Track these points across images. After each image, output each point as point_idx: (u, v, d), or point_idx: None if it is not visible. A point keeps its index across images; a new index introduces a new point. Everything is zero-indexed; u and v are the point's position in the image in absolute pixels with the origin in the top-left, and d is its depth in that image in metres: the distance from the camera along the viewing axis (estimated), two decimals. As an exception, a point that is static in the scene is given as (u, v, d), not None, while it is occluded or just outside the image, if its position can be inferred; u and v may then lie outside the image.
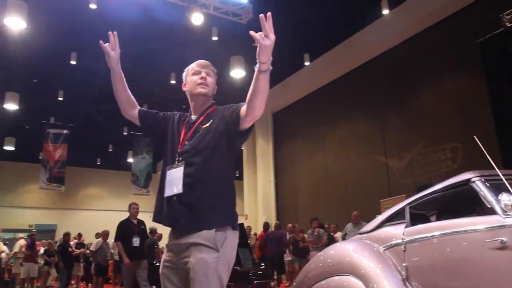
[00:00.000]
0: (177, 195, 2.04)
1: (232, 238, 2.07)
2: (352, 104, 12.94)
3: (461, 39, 9.68)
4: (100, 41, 2.29)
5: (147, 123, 2.34)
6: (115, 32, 2.22)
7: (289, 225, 11.22)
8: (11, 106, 14.00)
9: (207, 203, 2.02)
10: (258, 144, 16.21)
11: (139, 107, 2.38)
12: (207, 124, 2.17)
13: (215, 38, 11.07)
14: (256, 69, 1.91)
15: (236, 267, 8.14)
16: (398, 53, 11.51)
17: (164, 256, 2.13)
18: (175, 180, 2.07)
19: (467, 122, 9.68)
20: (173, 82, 13.34)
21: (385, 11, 10.85)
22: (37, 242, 12.16)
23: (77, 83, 13.96)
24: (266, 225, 11.87)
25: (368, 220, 9.07)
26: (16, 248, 12.12)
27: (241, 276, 7.81)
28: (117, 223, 6.82)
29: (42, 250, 12.28)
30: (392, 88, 11.62)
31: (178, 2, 10.09)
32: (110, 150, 20.36)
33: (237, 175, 24.95)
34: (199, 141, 2.12)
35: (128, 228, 6.68)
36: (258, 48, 1.85)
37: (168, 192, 2.08)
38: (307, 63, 13.63)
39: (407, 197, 8.68)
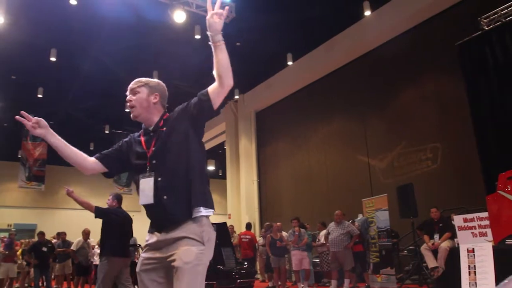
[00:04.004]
0: (153, 203, 2.10)
1: (213, 237, 2.13)
2: (335, 104, 13.05)
3: (441, 41, 9.85)
4: (19, 118, 2.24)
5: (115, 160, 2.33)
6: (22, 112, 2.21)
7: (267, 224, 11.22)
8: (-12, 103, 13.73)
9: (185, 199, 2.08)
10: (241, 143, 16.21)
11: (92, 157, 2.33)
12: (168, 125, 2.23)
13: (198, 37, 11.02)
14: (212, 44, 2.14)
15: (219, 266, 8.13)
16: (379, 54, 11.64)
17: (143, 255, 2.14)
18: (147, 190, 2.12)
19: (447, 122, 9.86)
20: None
21: (367, 13, 10.97)
22: (16, 242, 11.94)
23: (57, 80, 13.75)
24: (248, 225, 11.90)
25: (350, 219, 9.21)
26: None
27: (224, 275, 7.80)
28: (98, 223, 6.61)
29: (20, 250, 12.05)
30: (374, 89, 11.75)
31: (160, 0, 10.02)
32: (92, 149, 20.08)
33: (220, 174, 24.93)
34: (165, 142, 2.17)
35: None
36: (212, 22, 2.14)
37: (142, 201, 2.14)
38: (290, 63, 13.69)
39: (389, 197, 8.85)
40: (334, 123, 13.25)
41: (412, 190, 8.26)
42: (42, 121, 2.22)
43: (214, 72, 2.15)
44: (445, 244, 7.09)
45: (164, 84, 2.41)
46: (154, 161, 2.16)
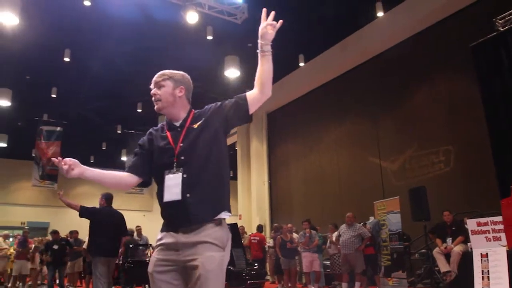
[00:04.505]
0: (180, 199, 2.02)
1: (230, 240, 2.10)
2: (346, 106, 12.98)
3: (454, 42, 9.75)
4: (56, 161, 2.11)
5: (144, 165, 2.24)
6: (58, 158, 2.09)
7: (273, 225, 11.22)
8: (3, 102, 13.91)
9: (212, 199, 2.05)
10: (252, 144, 16.21)
11: (125, 172, 2.26)
12: (199, 122, 2.16)
13: (209, 38, 11.05)
14: (259, 52, 2.19)
15: (229, 267, 8.19)
16: (392, 55, 11.55)
17: (157, 256, 2.06)
18: (173, 186, 2.04)
19: (460, 124, 9.75)
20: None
21: (380, 13, 10.89)
22: (29, 240, 12.07)
23: (70, 80, 13.88)
24: (259, 227, 11.88)
25: (362, 221, 9.15)
26: None
27: (234, 276, 7.81)
28: (123, 216, 6.55)
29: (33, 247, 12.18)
30: (386, 90, 11.67)
31: (173, 1, 10.06)
32: (104, 148, 20.27)
33: (231, 175, 24.96)
34: (195, 139, 2.11)
35: None
36: (264, 32, 2.20)
37: (166, 197, 2.05)
38: (301, 64, 13.65)
39: (401, 199, 8.77)
40: (346, 125, 13.18)
41: (425, 192, 8.19)
42: (75, 161, 2.09)
43: (256, 80, 2.18)
44: (458, 248, 7.00)
45: (189, 77, 2.33)
46: (182, 158, 2.08)
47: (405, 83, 11.20)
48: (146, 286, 9.03)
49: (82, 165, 2.10)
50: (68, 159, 2.07)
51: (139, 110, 15.65)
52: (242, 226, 12.56)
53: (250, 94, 2.18)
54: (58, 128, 16.82)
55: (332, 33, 12.05)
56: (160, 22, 10.71)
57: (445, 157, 10.02)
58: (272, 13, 2.23)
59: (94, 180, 2.18)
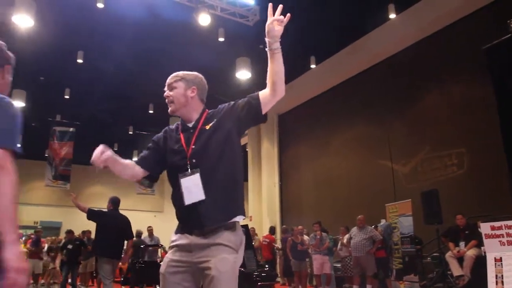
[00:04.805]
0: (200, 201, 2.02)
1: (243, 243, 2.09)
2: (358, 108, 12.91)
3: (467, 44, 9.65)
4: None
5: (155, 162, 2.25)
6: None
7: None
8: (18, 103, 14.07)
9: (226, 201, 2.04)
10: (263, 146, 16.21)
11: (135, 163, 2.27)
12: (211, 123, 2.14)
13: (221, 39, 11.08)
14: (268, 50, 2.07)
15: (240, 268, 8.20)
16: (404, 57, 11.48)
17: (172, 257, 2.07)
18: (193, 187, 2.03)
19: (473, 127, 9.63)
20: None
21: (392, 16, 10.82)
22: (42, 239, 12.21)
23: (83, 81, 14.02)
24: (271, 229, 11.87)
25: (373, 224, 9.09)
26: None
27: (245, 277, 7.80)
28: (128, 220, 6.68)
29: (46, 247, 12.32)
30: (398, 92, 11.59)
31: (185, 3, 10.11)
32: (116, 149, 20.35)
33: (242, 176, 24.97)
34: (207, 141, 2.10)
35: None
36: (271, 29, 2.06)
37: (188, 200, 2.03)
38: (313, 66, 13.62)
39: (413, 202, 8.68)
40: (357, 127, 13.11)
41: (437, 195, 8.09)
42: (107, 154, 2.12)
43: (268, 79, 2.10)
44: (471, 252, 6.92)
45: (202, 77, 2.30)
46: (194, 160, 2.06)
47: (416, 85, 11.12)
48: (157, 286, 9.06)
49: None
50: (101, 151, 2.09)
51: (151, 112, 15.75)
52: (252, 227, 12.57)
53: (263, 94, 2.13)
54: (71, 129, 17.00)
55: (344, 35, 12.01)
56: (172, 24, 10.76)
57: (458, 160, 9.92)
58: (280, 7, 2.09)
59: (109, 162, 2.13)
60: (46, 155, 18.01)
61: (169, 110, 2.22)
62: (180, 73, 2.27)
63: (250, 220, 15.37)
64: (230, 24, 10.96)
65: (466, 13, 9.95)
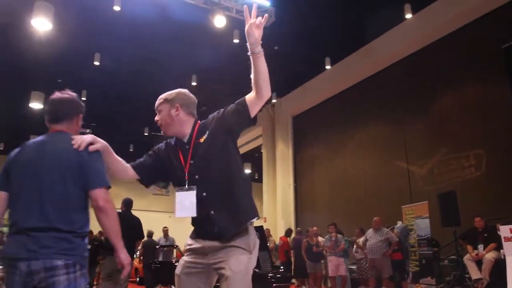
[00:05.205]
0: (200, 216, 2.10)
1: (258, 242, 2.14)
2: (373, 109, 12.81)
3: (485, 44, 9.52)
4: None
5: (150, 169, 2.33)
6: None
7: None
8: (36, 105, 14.31)
9: (233, 212, 2.07)
10: (278, 147, 16.20)
11: (128, 165, 2.35)
12: (205, 136, 2.18)
13: (236, 41, 11.10)
14: (251, 55, 2.07)
15: (255, 270, 8.20)
16: (420, 57, 11.35)
17: (187, 259, 2.14)
18: (187, 203, 2.11)
19: (491, 128, 9.49)
20: (194, 83, 13.43)
21: (408, 16, 10.72)
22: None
23: (100, 83, 14.19)
24: (288, 231, 11.84)
25: (388, 226, 9.00)
26: None
27: (260, 278, 7.78)
28: (140, 221, 6.80)
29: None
30: (414, 93, 11.47)
31: (201, 5, 10.15)
32: (131, 150, 20.62)
33: (256, 177, 24.98)
34: (204, 155, 2.14)
35: None
36: (249, 33, 2.06)
37: (179, 214, 2.14)
38: (328, 67, 13.56)
39: (430, 204, 8.57)
40: (372, 128, 13.01)
41: (455, 197, 7.98)
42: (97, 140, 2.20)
43: (253, 83, 2.11)
44: (490, 255, 6.80)
45: (185, 91, 2.36)
46: (196, 176, 2.12)
47: (433, 86, 11.00)
48: (172, 286, 9.12)
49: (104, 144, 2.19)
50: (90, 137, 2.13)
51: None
52: (267, 229, 12.56)
53: (249, 98, 2.14)
54: (88, 130, 17.14)
55: (359, 36, 11.92)
56: (187, 26, 10.83)
57: (475, 161, 9.77)
58: (254, 9, 2.09)
59: (105, 159, 2.19)
60: (64, 156, 18.25)
61: (162, 133, 2.30)
62: (163, 95, 2.34)
63: (264, 221, 15.37)
64: (245, 25, 10.96)
65: (483, 13, 9.81)
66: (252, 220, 2.12)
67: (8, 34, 11.22)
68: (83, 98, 15.09)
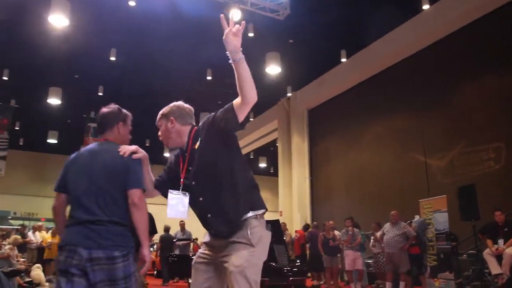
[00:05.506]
0: (207, 217, 2.24)
1: (266, 237, 2.22)
2: (390, 101, 12.65)
3: (504, 36, 9.29)
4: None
5: (167, 183, 2.49)
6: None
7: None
8: (54, 101, 14.51)
9: (229, 213, 2.18)
10: (294, 141, 16.14)
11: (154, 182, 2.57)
12: (198, 142, 2.30)
13: (251, 35, 11.06)
14: (232, 63, 2.11)
15: (271, 263, 8.19)
16: (438, 49, 11.15)
17: (201, 250, 2.34)
18: (180, 206, 2.30)
19: (511, 121, 9.29)
20: (209, 78, 13.44)
21: (426, 6, 10.52)
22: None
23: (116, 78, 14.31)
24: (305, 226, 11.83)
25: (406, 220, 8.91)
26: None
27: (276, 272, 7.79)
28: (152, 216, 6.86)
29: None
30: (432, 85, 11.28)
31: (215, -1, 10.15)
32: (148, 145, 20.77)
33: (272, 171, 24.96)
34: (198, 161, 2.27)
35: None
36: (227, 42, 2.12)
37: (170, 214, 2.31)
38: (343, 60, 13.43)
39: (449, 198, 8.44)
40: (389, 121, 12.85)
41: (475, 191, 7.84)
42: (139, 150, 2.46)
43: (238, 89, 2.15)
44: (510, 250, 6.68)
45: (178, 104, 2.52)
46: (193, 182, 2.27)
47: (452, 78, 10.79)
48: (189, 279, 9.19)
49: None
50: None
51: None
52: (284, 222, 12.54)
53: (236, 104, 2.18)
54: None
55: (375, 27, 11.74)
56: (202, 20, 10.82)
57: (495, 154, 9.59)
58: (231, 17, 2.15)
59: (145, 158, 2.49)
60: (81, 151, 18.50)
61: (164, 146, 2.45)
62: (161, 111, 2.53)
63: (280, 215, 15.37)
64: (260, 18, 10.92)
65: (502, 3, 9.56)
66: (255, 213, 2.20)
67: (26, 31, 11.39)
68: (100, 94, 15.27)
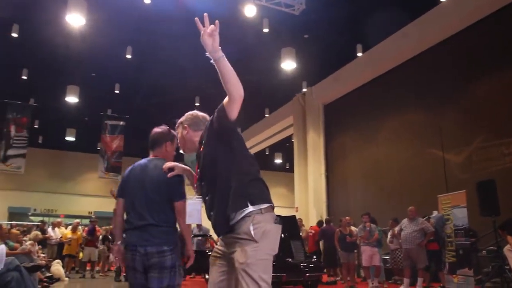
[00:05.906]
0: (210, 215, 2.34)
1: (272, 230, 2.20)
2: (407, 96, 12.50)
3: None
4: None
5: None
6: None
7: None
8: (72, 99, 14.71)
9: (226, 211, 2.20)
10: (309, 136, 16.07)
11: None
12: (201, 146, 2.42)
13: (266, 30, 11.03)
14: (213, 62, 2.15)
15: (288, 259, 8.15)
16: (455, 42, 10.96)
17: (217, 246, 2.41)
18: (194, 212, 2.51)
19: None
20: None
21: (443, -1, 10.36)
22: (98, 228, 12.72)
23: (132, 76, 14.43)
24: (320, 222, 11.80)
25: (423, 215, 8.80)
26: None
27: (293, 268, 7.80)
28: None
29: (101, 236, 12.84)
30: (449, 79, 11.10)
31: (230, -5, 10.14)
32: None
33: (287, 167, 24.92)
34: (203, 164, 2.38)
35: None
36: (203, 42, 2.14)
37: (188, 221, 2.56)
38: (359, 54, 13.30)
39: (468, 193, 8.31)
40: (406, 115, 12.70)
41: (495, 186, 7.70)
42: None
43: (224, 87, 2.18)
44: (531, 246, 6.56)
45: (192, 112, 2.67)
46: (202, 183, 2.40)
47: (470, 71, 10.61)
48: (206, 275, 9.25)
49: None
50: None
51: (197, 104, 15.99)
52: (300, 218, 12.52)
53: (225, 102, 2.21)
54: (121, 123, 17.59)
55: (392, 21, 11.60)
56: (217, 16, 10.78)
57: (515, 149, 9.41)
58: (206, 17, 2.15)
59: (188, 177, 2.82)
60: (98, 148, 18.73)
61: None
62: (179, 120, 2.70)
63: (296, 211, 15.34)
64: (275, 14, 10.88)
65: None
66: (255, 208, 2.18)
67: (44, 31, 11.56)
68: (116, 91, 15.43)
